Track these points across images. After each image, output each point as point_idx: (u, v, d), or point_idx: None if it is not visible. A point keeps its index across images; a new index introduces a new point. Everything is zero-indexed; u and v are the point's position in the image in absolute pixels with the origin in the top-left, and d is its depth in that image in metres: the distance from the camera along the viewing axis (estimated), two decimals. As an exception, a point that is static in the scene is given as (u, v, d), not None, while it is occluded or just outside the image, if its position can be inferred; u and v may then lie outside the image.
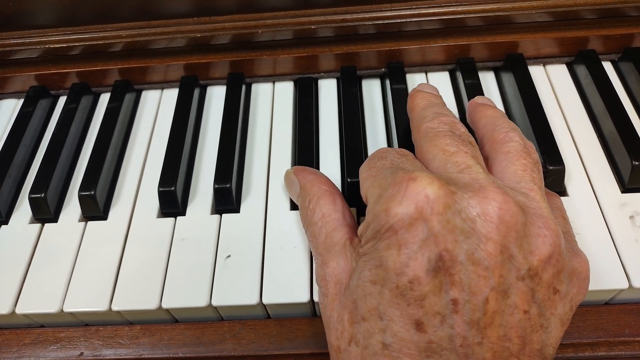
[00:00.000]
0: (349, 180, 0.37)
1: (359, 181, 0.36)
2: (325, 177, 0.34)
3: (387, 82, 0.45)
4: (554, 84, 0.44)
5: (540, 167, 0.30)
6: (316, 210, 0.31)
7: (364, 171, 0.30)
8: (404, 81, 0.44)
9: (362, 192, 0.29)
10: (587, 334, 0.33)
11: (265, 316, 0.36)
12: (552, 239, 0.25)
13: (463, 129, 0.30)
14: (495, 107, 0.35)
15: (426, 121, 0.31)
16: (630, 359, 0.35)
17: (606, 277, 0.33)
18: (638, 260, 0.34)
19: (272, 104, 0.45)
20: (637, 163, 0.36)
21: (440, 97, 0.35)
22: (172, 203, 0.38)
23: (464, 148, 0.28)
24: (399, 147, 0.40)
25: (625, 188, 0.37)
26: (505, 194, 0.25)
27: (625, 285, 0.33)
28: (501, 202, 0.24)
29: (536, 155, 0.30)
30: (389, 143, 0.42)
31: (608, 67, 0.45)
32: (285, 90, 0.46)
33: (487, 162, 0.31)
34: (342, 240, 0.29)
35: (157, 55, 0.46)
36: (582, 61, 0.44)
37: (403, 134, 0.40)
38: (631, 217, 0.36)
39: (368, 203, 0.28)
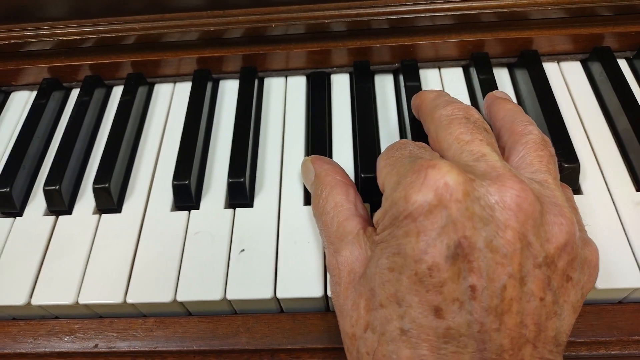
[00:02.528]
0: (362, 175, 0.37)
1: (373, 177, 0.36)
2: (341, 168, 0.34)
3: (401, 79, 0.45)
4: (568, 81, 0.44)
5: (556, 161, 0.30)
6: (329, 199, 0.31)
7: (381, 160, 0.30)
8: (417, 79, 0.44)
9: (379, 181, 0.30)
10: (600, 332, 0.33)
11: (278, 310, 0.36)
12: (567, 227, 0.25)
13: (477, 114, 0.30)
14: (512, 101, 0.35)
15: (439, 109, 0.31)
16: (642, 357, 0.35)
17: (620, 275, 0.33)
18: (653, 259, 0.34)
19: (285, 98, 0.45)
20: (652, 161, 0.36)
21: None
22: (186, 197, 0.38)
23: (478, 135, 0.28)
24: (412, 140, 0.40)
25: (640, 186, 0.37)
26: (523, 182, 0.25)
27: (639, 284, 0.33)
28: (519, 190, 0.24)
29: (553, 149, 0.30)
30: (404, 137, 0.42)
31: (623, 64, 0.45)
32: (298, 85, 0.46)
33: (504, 153, 0.31)
34: (355, 229, 0.29)
35: (170, 48, 0.46)
36: (596, 58, 0.44)
37: (417, 132, 0.40)
38: (646, 215, 0.36)
39: (385, 190, 0.28)
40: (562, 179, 0.37)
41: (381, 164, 0.30)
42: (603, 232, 0.35)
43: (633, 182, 0.38)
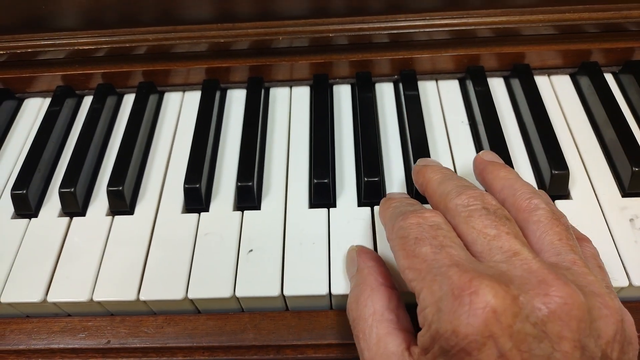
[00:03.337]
0: (366, 179, 0.39)
1: (376, 181, 0.38)
2: (386, 268, 0.32)
3: (401, 88, 0.47)
4: (558, 94, 0.47)
5: (571, 230, 0.29)
6: (368, 303, 0.29)
7: (399, 252, 0.28)
8: (416, 88, 0.46)
9: (406, 282, 0.28)
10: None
11: (284, 308, 0.38)
12: (614, 318, 0.25)
13: (494, 201, 0.29)
14: (505, 165, 0.34)
15: (452, 198, 0.30)
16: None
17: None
18: (637, 260, 0.36)
19: (290, 107, 0.48)
20: (637, 169, 0.39)
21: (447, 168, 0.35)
22: (197, 199, 0.40)
23: (504, 229, 0.27)
24: (412, 148, 0.42)
25: (625, 192, 0.40)
26: (566, 284, 0.24)
27: (626, 284, 0.35)
28: (565, 296, 0.24)
29: (565, 219, 0.30)
30: (404, 145, 0.44)
31: (609, 78, 0.48)
32: (302, 95, 0.48)
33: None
34: (399, 348, 0.27)
35: (180, 59, 0.48)
36: (585, 72, 0.46)
37: (417, 140, 0.42)
38: (631, 219, 0.38)
39: (420, 305, 0.26)
40: (552, 185, 0.39)
41: (400, 261, 0.28)
42: (591, 235, 0.37)
43: (619, 188, 0.40)
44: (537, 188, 0.40)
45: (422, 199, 0.35)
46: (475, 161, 0.36)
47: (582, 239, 0.32)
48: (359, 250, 0.34)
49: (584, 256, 0.29)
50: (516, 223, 0.29)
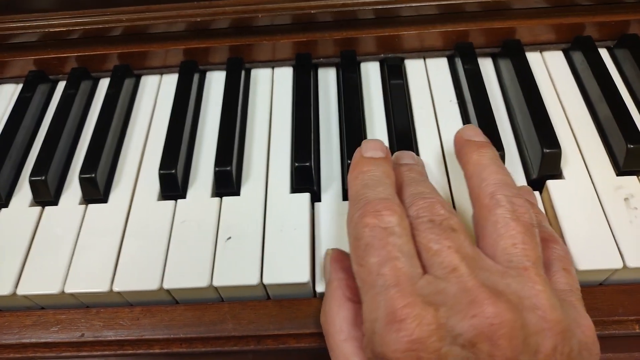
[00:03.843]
0: (349, 162, 0.37)
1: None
2: (354, 280, 0.30)
3: (386, 69, 0.45)
4: (551, 70, 0.45)
5: (535, 229, 0.28)
6: (335, 321, 0.30)
7: (351, 252, 0.29)
8: (400, 71, 0.45)
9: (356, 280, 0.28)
10: (582, 313, 0.34)
11: (265, 297, 0.36)
12: (552, 331, 0.25)
13: (442, 210, 0.28)
14: (483, 144, 0.32)
15: (407, 206, 0.29)
16: (623, 338, 0.35)
17: (601, 257, 0.34)
18: (632, 241, 0.34)
19: (272, 88, 0.46)
20: (632, 146, 0.37)
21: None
22: (173, 186, 0.38)
23: (446, 242, 0.27)
24: (396, 131, 0.40)
25: (620, 171, 0.38)
26: (495, 303, 0.24)
27: (620, 265, 0.33)
28: (492, 316, 0.24)
29: (527, 216, 0.28)
30: (389, 126, 0.42)
31: (604, 53, 0.46)
32: (285, 76, 0.46)
33: (477, 229, 0.29)
34: None
35: (157, 40, 0.46)
36: (578, 47, 0.45)
37: (401, 123, 0.40)
38: (626, 199, 0.36)
39: (363, 315, 0.27)
40: (543, 165, 0.37)
41: (354, 263, 0.28)
42: (584, 215, 0.35)
43: (613, 167, 0.38)
44: (525, 170, 0.39)
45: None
46: (454, 138, 0.34)
47: (549, 240, 0.31)
48: (332, 258, 0.32)
49: (548, 259, 0.29)
50: (477, 220, 0.29)
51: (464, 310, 0.24)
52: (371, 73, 0.46)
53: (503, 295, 0.25)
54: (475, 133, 0.34)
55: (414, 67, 0.46)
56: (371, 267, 0.27)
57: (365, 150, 0.33)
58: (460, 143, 0.33)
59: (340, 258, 0.33)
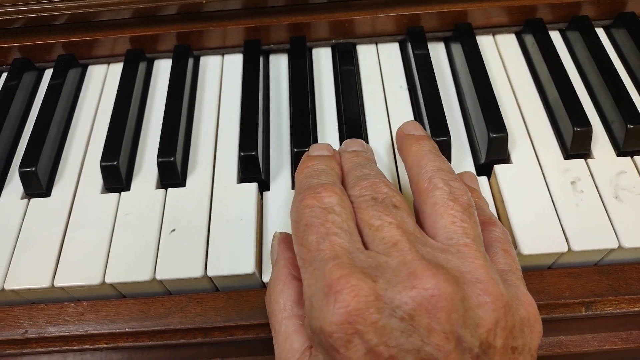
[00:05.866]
0: (295, 150, 0.37)
1: (307, 151, 0.36)
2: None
3: (337, 55, 0.44)
4: (503, 54, 0.45)
5: (473, 210, 0.28)
6: (279, 299, 0.29)
7: (293, 236, 0.28)
8: (351, 57, 0.44)
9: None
10: (527, 297, 0.34)
11: (214, 289, 0.36)
12: (494, 305, 0.24)
13: (386, 188, 0.28)
14: (422, 137, 0.33)
15: (349, 188, 0.30)
16: (570, 321, 0.36)
17: (548, 241, 0.34)
18: (577, 224, 0.34)
19: (221, 76, 0.45)
20: (578, 129, 0.37)
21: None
22: (116, 178, 0.37)
23: (387, 218, 0.27)
24: (346, 118, 0.40)
25: (567, 154, 0.38)
26: (435, 275, 0.24)
27: (565, 249, 0.33)
28: (432, 287, 0.23)
29: (465, 197, 0.28)
30: (339, 114, 0.41)
31: (556, 36, 0.46)
32: (235, 63, 0.45)
33: (418, 215, 0.30)
34: (302, 347, 0.28)
35: (102, 28, 0.45)
36: (529, 30, 0.44)
37: (351, 110, 0.40)
38: (572, 182, 0.36)
39: (304, 292, 0.26)
40: (490, 149, 0.37)
41: (296, 243, 0.28)
42: (531, 199, 0.35)
43: (561, 150, 0.38)
44: (474, 155, 0.39)
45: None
46: (396, 134, 0.35)
47: (488, 223, 0.31)
48: (281, 238, 0.32)
49: (488, 242, 0.29)
50: (417, 206, 0.29)
51: (404, 282, 0.24)
52: (322, 59, 0.45)
53: (443, 269, 0.24)
54: (414, 127, 0.34)
55: (365, 53, 0.45)
56: (310, 245, 0.26)
57: (312, 150, 0.34)
58: (401, 137, 0.34)
59: (288, 239, 0.32)
